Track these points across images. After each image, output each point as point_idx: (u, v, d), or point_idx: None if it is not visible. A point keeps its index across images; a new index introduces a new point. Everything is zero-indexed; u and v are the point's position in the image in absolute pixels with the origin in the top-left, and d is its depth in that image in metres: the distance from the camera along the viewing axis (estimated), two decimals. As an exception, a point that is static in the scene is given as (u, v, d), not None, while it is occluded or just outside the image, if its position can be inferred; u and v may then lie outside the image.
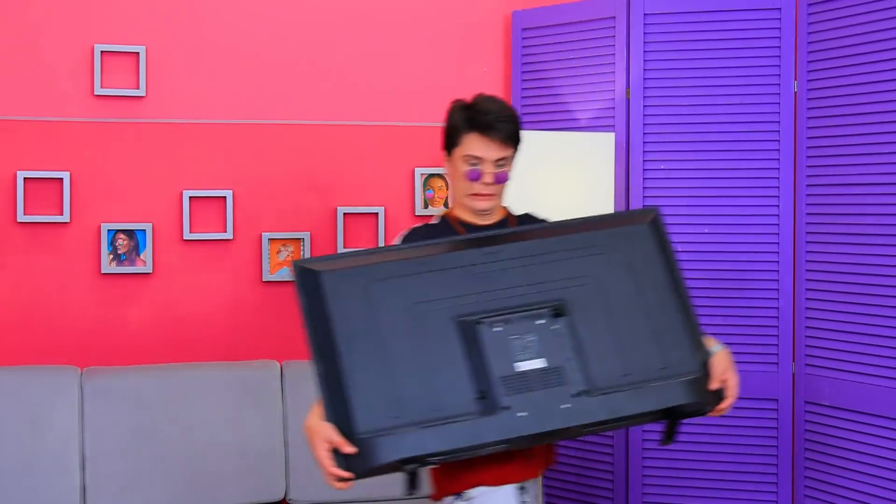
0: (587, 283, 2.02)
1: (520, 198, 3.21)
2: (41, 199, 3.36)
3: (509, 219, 2.37)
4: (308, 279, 1.93)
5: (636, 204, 3.36)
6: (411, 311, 1.93)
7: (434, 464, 1.92)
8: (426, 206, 3.68)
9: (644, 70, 3.36)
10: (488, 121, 2.24)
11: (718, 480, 3.30)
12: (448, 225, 2.33)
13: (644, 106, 3.36)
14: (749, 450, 3.27)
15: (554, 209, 3.22)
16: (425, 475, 2.10)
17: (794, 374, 3.22)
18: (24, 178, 3.32)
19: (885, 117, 2.95)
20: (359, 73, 3.66)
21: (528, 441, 1.92)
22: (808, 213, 3.17)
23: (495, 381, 1.90)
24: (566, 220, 2.12)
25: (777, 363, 3.23)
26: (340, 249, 3.59)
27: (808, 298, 3.17)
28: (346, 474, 1.88)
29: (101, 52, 3.39)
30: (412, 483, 1.88)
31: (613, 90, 3.42)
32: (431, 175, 3.69)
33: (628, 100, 3.38)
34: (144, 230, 3.42)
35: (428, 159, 3.70)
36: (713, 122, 3.30)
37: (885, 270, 2.95)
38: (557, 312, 1.98)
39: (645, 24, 3.36)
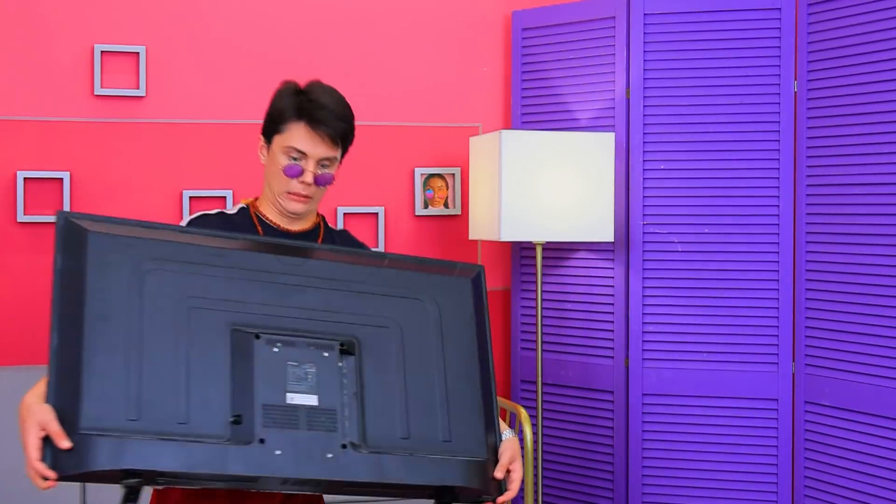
0: (389, 326, 1.81)
1: (520, 198, 3.21)
2: (41, 199, 3.36)
3: (322, 230, 2.13)
4: (71, 235, 1.65)
5: (636, 204, 3.36)
6: (183, 303, 1.68)
7: (160, 485, 1.63)
8: (426, 206, 3.68)
9: (644, 70, 3.36)
10: (322, 115, 1.99)
11: (718, 480, 3.30)
12: (248, 220, 2.07)
13: (644, 106, 3.36)
14: (749, 450, 3.27)
15: (554, 209, 3.23)
16: (146, 497, 1.82)
17: (794, 374, 3.22)
18: (24, 178, 3.32)
19: (885, 117, 2.95)
20: (359, 73, 3.66)
21: (277, 485, 1.66)
22: (808, 213, 3.17)
23: (257, 408, 1.65)
24: (385, 253, 1.91)
25: (777, 363, 3.23)
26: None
27: (808, 298, 3.17)
28: (50, 473, 1.54)
29: (101, 52, 3.39)
30: (128, 500, 1.58)
31: (613, 90, 3.42)
32: (431, 175, 3.69)
33: (628, 100, 3.38)
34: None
35: (428, 159, 3.70)
36: (713, 122, 3.30)
37: (885, 270, 2.95)
38: (347, 350, 1.76)
39: (645, 24, 3.36)
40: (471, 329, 1.92)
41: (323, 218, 2.16)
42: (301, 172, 2.01)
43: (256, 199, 2.12)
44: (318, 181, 2.02)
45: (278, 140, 2.02)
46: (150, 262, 1.69)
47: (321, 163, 2.02)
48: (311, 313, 1.77)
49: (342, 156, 2.07)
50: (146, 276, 1.68)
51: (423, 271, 1.90)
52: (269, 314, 1.73)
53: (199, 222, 2.04)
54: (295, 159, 2.00)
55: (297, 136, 2.00)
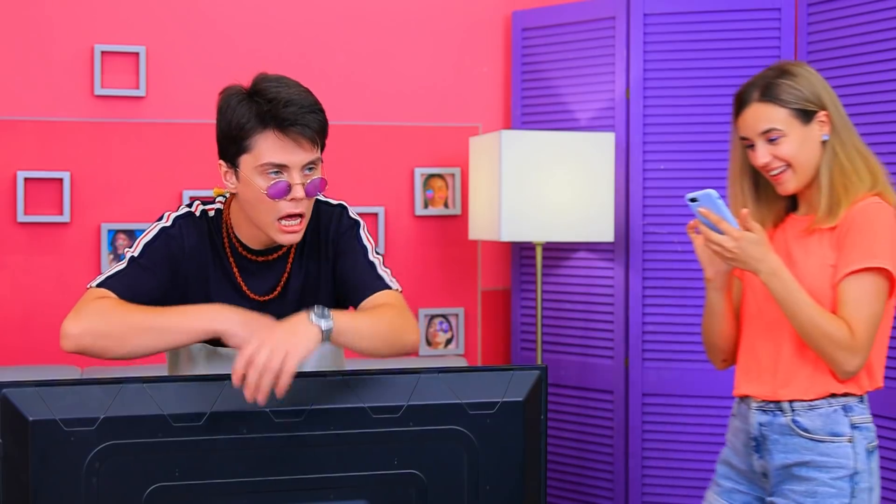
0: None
1: (520, 198, 3.21)
2: (41, 199, 3.36)
3: (293, 246, 1.86)
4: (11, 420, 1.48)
5: (636, 203, 3.36)
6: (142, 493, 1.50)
7: None
8: (426, 206, 3.68)
9: (644, 70, 3.36)
10: (289, 114, 1.68)
11: (718, 480, 3.30)
12: (219, 234, 1.85)
13: (644, 106, 3.36)
14: (749, 450, 3.27)
15: (554, 209, 3.23)
16: None
17: (794, 374, 3.21)
18: (24, 178, 3.32)
19: (885, 117, 2.95)
20: (359, 73, 3.66)
21: None
22: (808, 213, 3.17)
23: None
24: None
25: (777, 363, 3.23)
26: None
27: (808, 298, 3.17)
28: None
29: (101, 52, 3.39)
30: None
31: (613, 90, 3.42)
32: (431, 175, 3.69)
33: (628, 100, 3.38)
34: (144, 230, 3.41)
35: (428, 159, 3.70)
36: (713, 122, 3.30)
37: (885, 270, 2.95)
38: None
39: (645, 24, 3.36)
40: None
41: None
42: (288, 189, 1.71)
43: (233, 198, 1.85)
44: (310, 191, 1.74)
45: (247, 161, 1.71)
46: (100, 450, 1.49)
47: (305, 169, 1.73)
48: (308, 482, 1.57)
49: (322, 151, 1.79)
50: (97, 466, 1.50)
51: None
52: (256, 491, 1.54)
53: (187, 222, 1.84)
54: (275, 175, 1.71)
55: (270, 148, 1.69)
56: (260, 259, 1.87)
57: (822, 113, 2.01)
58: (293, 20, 3.59)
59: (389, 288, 1.85)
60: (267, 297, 1.87)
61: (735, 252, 1.93)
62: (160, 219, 1.85)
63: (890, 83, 2.94)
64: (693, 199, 1.98)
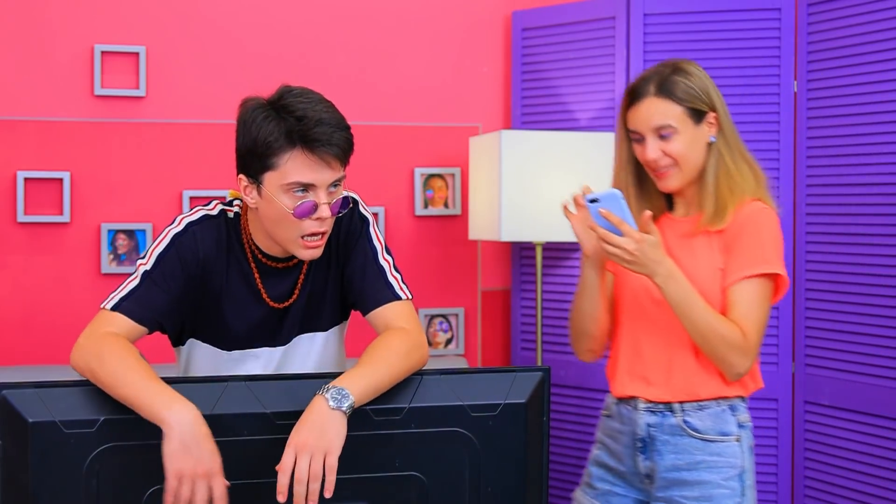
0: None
1: (520, 198, 3.21)
2: (41, 199, 3.36)
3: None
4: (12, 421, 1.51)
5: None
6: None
7: None
8: (426, 206, 3.68)
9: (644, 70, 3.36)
10: (319, 133, 1.64)
11: (718, 480, 3.30)
12: (239, 239, 1.82)
13: (644, 106, 3.36)
14: (749, 450, 3.27)
15: (554, 209, 3.22)
16: None
17: (793, 374, 3.22)
18: (24, 178, 3.32)
19: (885, 117, 2.95)
20: (359, 73, 3.65)
21: None
22: (808, 213, 3.17)
23: None
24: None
25: (777, 363, 3.23)
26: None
27: (808, 298, 3.17)
28: None
29: (101, 52, 3.39)
30: None
31: (613, 90, 3.42)
32: (431, 175, 3.69)
33: (628, 100, 3.38)
34: (144, 230, 3.42)
35: (428, 159, 3.70)
36: (713, 122, 3.30)
37: (885, 270, 2.95)
38: None
39: (645, 24, 3.36)
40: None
41: None
42: (315, 208, 1.67)
43: (248, 223, 1.82)
44: (334, 210, 1.71)
45: (273, 178, 1.67)
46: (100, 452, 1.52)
47: (330, 187, 1.70)
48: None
49: (346, 167, 1.77)
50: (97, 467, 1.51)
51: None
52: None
53: (201, 227, 1.79)
54: (301, 194, 1.67)
55: (297, 167, 1.65)
56: (280, 266, 1.84)
57: (712, 114, 2.01)
58: (293, 20, 3.59)
59: (399, 298, 1.82)
60: (283, 305, 1.85)
61: (635, 255, 1.88)
62: (173, 222, 1.81)
63: (890, 83, 2.94)
64: (594, 200, 1.91)
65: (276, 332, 1.87)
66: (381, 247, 1.87)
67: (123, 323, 1.71)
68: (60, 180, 3.36)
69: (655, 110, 1.98)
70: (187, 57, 3.49)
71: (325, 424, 1.52)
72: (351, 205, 1.80)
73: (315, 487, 1.49)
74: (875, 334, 2.97)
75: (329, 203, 1.69)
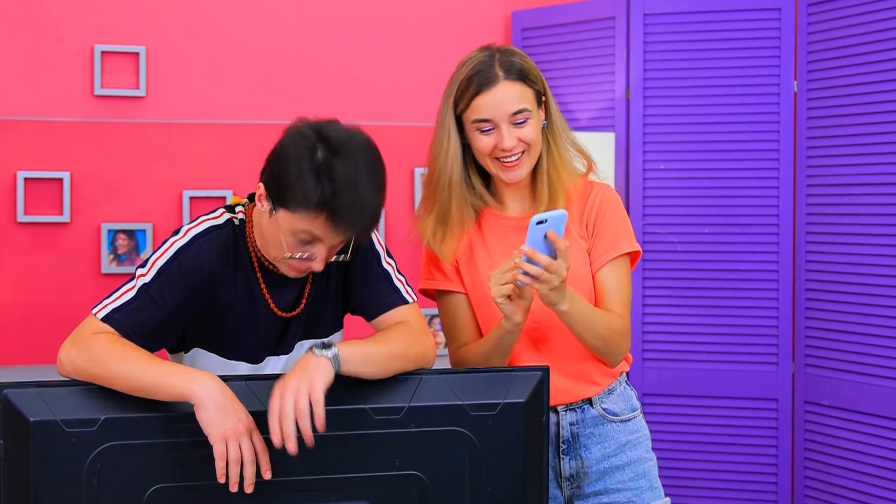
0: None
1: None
2: (41, 199, 3.35)
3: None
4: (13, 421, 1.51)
5: (636, 203, 3.36)
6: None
7: None
8: (426, 206, 3.67)
9: (644, 70, 3.36)
10: (350, 215, 1.63)
11: (718, 480, 3.30)
12: (245, 246, 1.79)
13: (644, 106, 3.36)
14: (749, 450, 3.27)
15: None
16: None
17: (793, 374, 3.22)
18: (24, 178, 3.32)
19: (885, 117, 2.95)
20: (359, 73, 3.65)
21: None
22: (808, 213, 3.17)
23: None
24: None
25: (777, 363, 3.23)
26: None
27: (808, 298, 3.17)
28: None
29: (101, 52, 3.39)
30: None
31: (613, 90, 3.42)
32: (431, 175, 3.69)
33: (628, 100, 3.38)
34: (144, 230, 3.42)
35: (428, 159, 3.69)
36: (713, 122, 3.30)
37: (885, 270, 2.95)
38: None
39: (645, 24, 3.36)
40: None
41: None
42: (311, 260, 1.68)
43: (252, 208, 1.80)
44: (325, 262, 1.71)
45: (287, 216, 1.64)
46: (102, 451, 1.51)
47: (335, 247, 1.70)
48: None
49: None
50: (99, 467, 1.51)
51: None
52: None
53: (207, 239, 1.74)
54: (306, 243, 1.66)
55: (314, 225, 1.63)
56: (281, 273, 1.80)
57: (542, 97, 1.93)
58: (293, 20, 3.59)
59: (406, 302, 1.82)
60: (290, 314, 1.82)
61: (563, 282, 1.74)
62: (177, 232, 1.75)
63: (890, 83, 2.94)
64: (541, 221, 1.70)
65: (281, 341, 1.84)
66: (382, 251, 1.87)
67: (108, 332, 1.67)
68: (60, 180, 3.36)
69: (512, 94, 1.85)
70: (187, 57, 3.49)
71: (308, 366, 1.56)
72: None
73: (305, 425, 1.51)
74: (875, 334, 2.97)
75: (326, 259, 1.69)
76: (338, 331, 1.92)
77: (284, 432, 1.51)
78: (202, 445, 1.52)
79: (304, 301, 1.82)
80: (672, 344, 3.34)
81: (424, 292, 2.05)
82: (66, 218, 3.35)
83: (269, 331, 1.82)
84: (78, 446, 1.51)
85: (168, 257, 1.71)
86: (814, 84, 3.16)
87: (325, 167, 1.61)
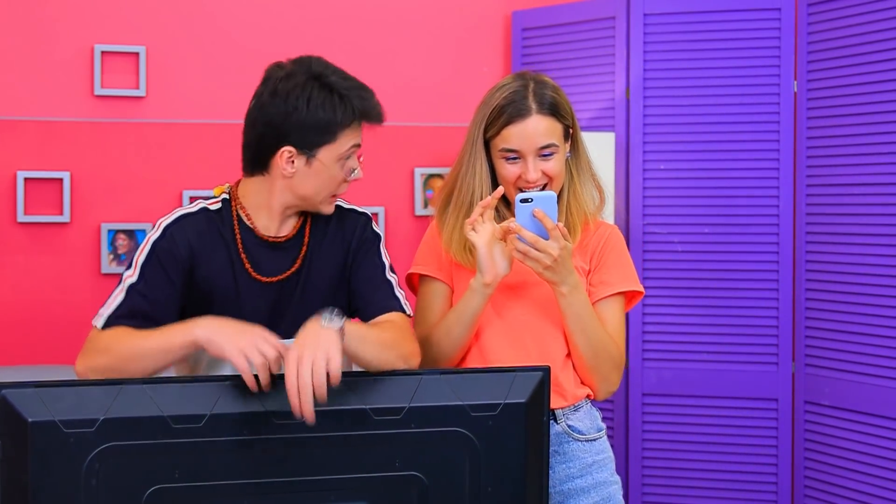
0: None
1: (520, 198, 3.21)
2: (41, 199, 3.35)
3: (308, 231, 1.90)
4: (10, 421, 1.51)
5: (636, 203, 3.36)
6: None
7: None
8: (426, 206, 3.68)
9: (644, 70, 3.36)
10: (377, 110, 1.86)
11: (718, 480, 3.30)
12: (229, 220, 1.87)
13: (644, 106, 3.36)
14: (749, 450, 3.27)
15: (554, 209, 3.23)
16: None
17: (793, 374, 3.22)
18: (24, 178, 3.32)
19: (886, 117, 2.95)
20: (359, 73, 3.63)
21: None
22: (808, 213, 3.17)
23: None
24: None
25: (777, 363, 3.23)
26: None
27: (808, 298, 3.17)
28: None
29: (101, 52, 3.39)
30: None
31: (613, 90, 3.42)
32: (431, 175, 3.69)
33: (628, 100, 3.38)
34: (144, 230, 3.42)
35: (428, 159, 3.70)
36: (713, 122, 3.30)
37: (885, 270, 2.95)
38: None
39: (645, 24, 3.36)
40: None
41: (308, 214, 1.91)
42: (355, 171, 1.86)
43: (238, 183, 1.91)
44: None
45: (330, 150, 1.79)
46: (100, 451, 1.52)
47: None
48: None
49: None
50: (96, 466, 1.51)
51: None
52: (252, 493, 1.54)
53: (180, 226, 1.83)
54: (347, 160, 1.83)
55: (355, 135, 1.82)
56: (275, 240, 1.87)
57: (570, 130, 1.95)
58: (293, 20, 3.59)
59: (404, 311, 1.87)
60: (280, 277, 1.86)
61: (556, 261, 1.79)
62: (154, 227, 1.86)
63: (890, 83, 2.94)
64: (526, 200, 1.79)
65: (275, 318, 1.86)
66: (388, 264, 1.93)
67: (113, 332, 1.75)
68: (60, 180, 3.36)
69: (542, 129, 1.88)
70: (187, 57, 3.49)
71: (319, 334, 1.57)
72: (365, 221, 1.95)
73: (322, 392, 1.53)
74: (875, 334, 2.97)
75: (360, 166, 1.86)
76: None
77: (303, 406, 1.52)
78: (201, 446, 1.52)
79: (296, 266, 1.88)
80: (672, 344, 3.34)
81: (410, 282, 2.07)
82: (66, 218, 3.35)
83: (258, 305, 1.85)
84: (76, 447, 1.51)
85: (147, 252, 1.81)
86: (814, 84, 3.16)
87: (332, 88, 1.79)
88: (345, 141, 1.80)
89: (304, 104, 1.77)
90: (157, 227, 1.84)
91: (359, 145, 1.84)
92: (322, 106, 1.77)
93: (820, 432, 3.14)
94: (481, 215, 1.85)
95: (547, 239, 1.79)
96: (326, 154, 1.79)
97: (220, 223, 1.85)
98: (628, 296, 2.00)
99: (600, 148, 3.27)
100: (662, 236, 3.35)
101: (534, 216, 1.79)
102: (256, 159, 1.86)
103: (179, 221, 1.84)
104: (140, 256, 1.81)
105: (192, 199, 3.53)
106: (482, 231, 1.83)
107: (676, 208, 3.33)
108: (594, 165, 2.03)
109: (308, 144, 1.78)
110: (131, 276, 1.79)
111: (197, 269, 1.83)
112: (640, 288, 1.99)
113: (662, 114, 3.35)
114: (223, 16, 3.53)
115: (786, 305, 3.22)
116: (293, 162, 1.80)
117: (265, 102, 1.82)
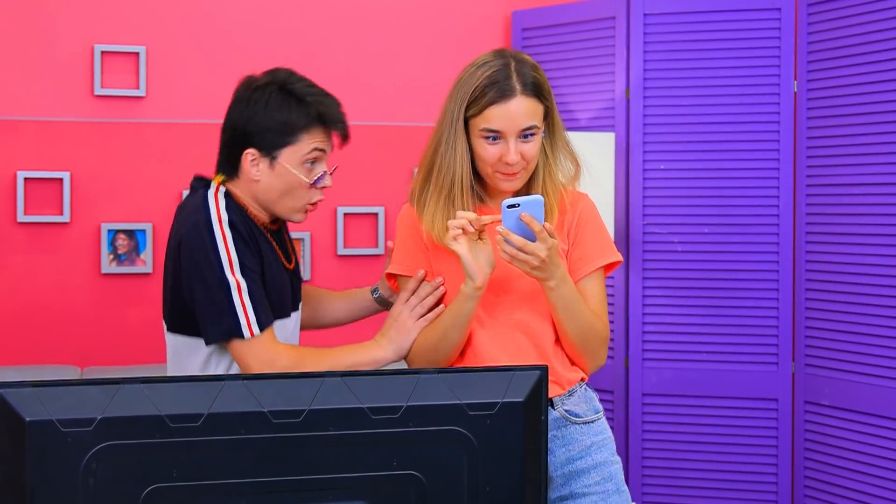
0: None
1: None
2: (41, 199, 3.36)
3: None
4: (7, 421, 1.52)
5: (636, 203, 3.36)
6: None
7: None
8: (426, 206, 3.67)
9: (644, 70, 3.36)
10: (338, 114, 1.92)
11: (718, 480, 3.30)
12: (253, 226, 1.93)
13: (644, 106, 3.36)
14: (749, 450, 3.27)
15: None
16: None
17: (793, 374, 3.22)
18: (24, 178, 3.32)
19: (886, 117, 2.95)
20: (359, 73, 3.65)
21: None
22: (808, 213, 3.17)
23: None
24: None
25: (777, 363, 3.23)
26: (340, 249, 3.59)
27: (808, 298, 3.17)
28: None
29: (101, 52, 3.39)
30: None
31: (613, 90, 3.42)
32: (431, 175, 3.69)
33: (628, 100, 3.38)
34: (144, 230, 3.42)
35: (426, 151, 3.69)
36: (713, 122, 3.30)
37: (885, 270, 2.95)
38: None
39: (645, 24, 3.36)
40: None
41: None
42: (325, 178, 1.91)
43: (225, 182, 1.95)
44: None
45: (292, 152, 1.88)
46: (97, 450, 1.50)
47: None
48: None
49: None
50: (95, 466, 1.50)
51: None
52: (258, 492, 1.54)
53: (232, 214, 1.87)
54: (312, 164, 1.90)
55: (315, 139, 1.89)
56: (274, 228, 1.99)
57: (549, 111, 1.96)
58: (293, 20, 3.59)
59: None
60: (292, 265, 2.01)
61: (544, 262, 1.79)
62: (209, 227, 1.84)
63: (890, 83, 2.94)
64: (513, 206, 1.77)
65: (294, 295, 2.00)
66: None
67: (272, 333, 1.87)
68: (60, 180, 3.36)
69: (526, 110, 1.86)
70: (187, 57, 3.49)
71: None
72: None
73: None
74: (875, 334, 2.97)
75: (330, 172, 1.92)
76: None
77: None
78: (199, 445, 1.52)
79: (293, 257, 2.02)
80: (672, 344, 3.34)
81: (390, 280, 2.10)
82: (66, 218, 3.35)
83: (287, 284, 1.98)
84: (74, 446, 1.51)
85: (231, 242, 1.83)
86: (814, 84, 3.16)
87: (291, 92, 1.89)
88: (305, 144, 1.85)
89: (262, 107, 1.86)
90: (213, 213, 1.85)
91: (323, 150, 1.88)
92: (279, 108, 1.85)
93: (820, 432, 3.14)
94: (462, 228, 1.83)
95: (534, 241, 1.78)
96: (288, 156, 1.85)
97: (242, 210, 1.91)
98: (607, 266, 1.99)
99: (600, 148, 3.27)
100: (662, 236, 3.34)
101: (521, 220, 1.78)
102: (227, 162, 1.92)
103: (228, 208, 1.88)
104: (229, 249, 1.83)
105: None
106: (461, 238, 1.83)
107: (676, 208, 3.33)
108: (566, 136, 2.01)
109: (268, 146, 1.85)
110: (237, 272, 1.82)
111: (259, 249, 1.92)
112: (619, 257, 1.98)
113: (662, 114, 3.35)
114: (223, 16, 3.53)
115: (786, 305, 3.22)
116: (258, 165, 1.87)
117: (231, 109, 1.92)
